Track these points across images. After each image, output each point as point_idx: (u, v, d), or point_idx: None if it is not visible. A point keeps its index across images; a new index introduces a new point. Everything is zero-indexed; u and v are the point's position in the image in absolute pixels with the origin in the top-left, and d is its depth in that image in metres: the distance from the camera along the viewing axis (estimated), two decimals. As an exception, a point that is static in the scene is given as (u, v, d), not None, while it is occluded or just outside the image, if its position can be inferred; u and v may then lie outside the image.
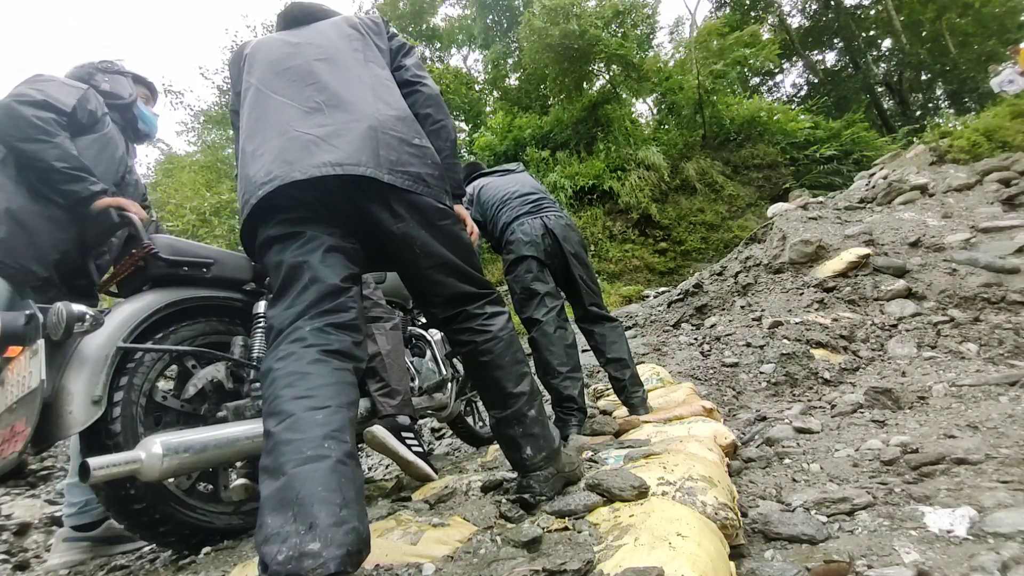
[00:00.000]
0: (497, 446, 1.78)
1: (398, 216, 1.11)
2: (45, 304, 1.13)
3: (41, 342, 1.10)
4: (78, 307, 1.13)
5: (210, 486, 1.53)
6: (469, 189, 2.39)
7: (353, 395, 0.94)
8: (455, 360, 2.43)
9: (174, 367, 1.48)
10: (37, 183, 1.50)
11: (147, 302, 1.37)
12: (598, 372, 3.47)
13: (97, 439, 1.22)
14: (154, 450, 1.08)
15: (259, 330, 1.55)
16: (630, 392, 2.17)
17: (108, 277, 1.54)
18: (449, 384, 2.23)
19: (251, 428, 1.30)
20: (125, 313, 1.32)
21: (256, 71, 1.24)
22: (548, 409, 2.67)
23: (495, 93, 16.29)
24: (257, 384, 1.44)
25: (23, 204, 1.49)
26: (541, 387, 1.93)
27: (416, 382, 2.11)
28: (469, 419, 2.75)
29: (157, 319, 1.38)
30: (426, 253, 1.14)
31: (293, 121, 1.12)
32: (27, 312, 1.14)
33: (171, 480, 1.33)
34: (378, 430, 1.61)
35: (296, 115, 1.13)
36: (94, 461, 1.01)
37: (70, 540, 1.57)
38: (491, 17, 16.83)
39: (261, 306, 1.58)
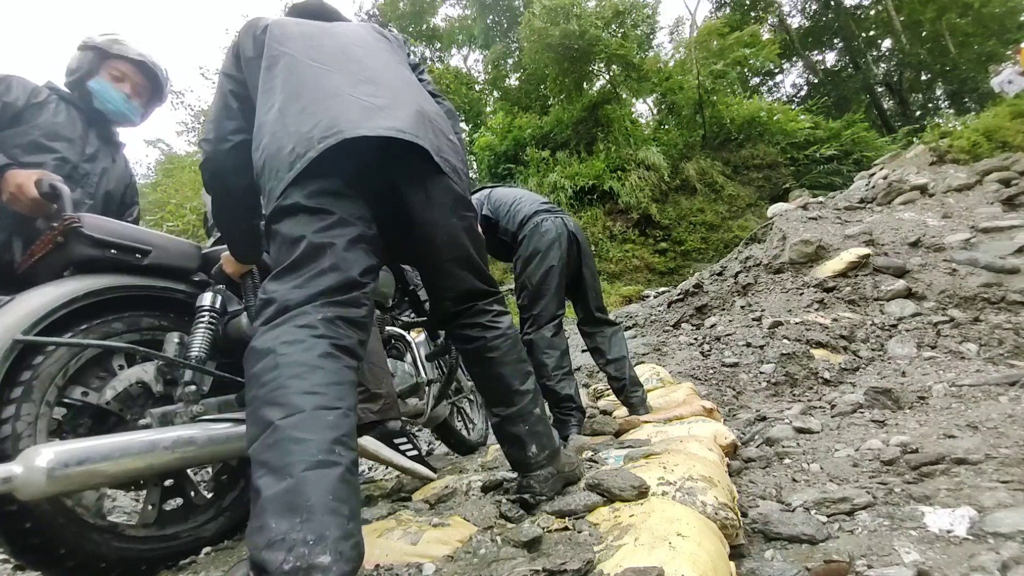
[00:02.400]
0: (497, 446, 1.79)
1: (431, 200, 1.10)
2: None
3: None
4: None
5: (179, 500, 1.35)
6: (477, 196, 2.40)
7: (355, 399, 0.91)
8: (440, 363, 2.38)
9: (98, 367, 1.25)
10: None
11: (64, 290, 1.16)
12: (598, 372, 3.47)
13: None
14: (36, 463, 0.88)
15: (202, 325, 1.36)
16: (629, 392, 2.19)
17: (23, 258, 1.30)
18: (425, 389, 2.13)
19: (176, 435, 1.11)
20: (33, 302, 1.11)
21: (290, 42, 1.18)
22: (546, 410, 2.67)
23: (495, 93, 16.30)
24: (192, 387, 1.29)
25: None
26: None
27: None
28: (458, 424, 2.60)
29: (77, 309, 1.17)
30: (449, 244, 1.14)
31: (344, 87, 1.09)
32: None
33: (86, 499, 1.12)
34: (368, 441, 1.50)
35: (345, 83, 1.10)
36: None
37: None
38: (491, 17, 16.85)
39: (207, 298, 1.40)
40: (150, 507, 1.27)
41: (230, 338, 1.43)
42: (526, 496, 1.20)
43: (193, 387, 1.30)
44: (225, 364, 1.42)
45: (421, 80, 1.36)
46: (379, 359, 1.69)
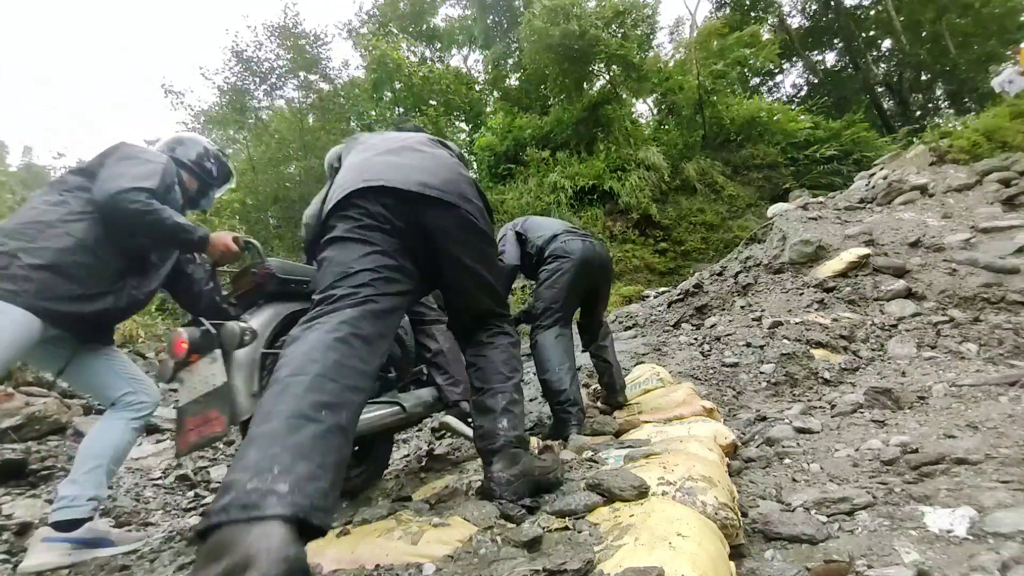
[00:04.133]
0: None
1: (459, 238, 1.35)
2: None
3: (218, 351, 1.43)
4: (243, 324, 1.49)
5: None
6: (515, 220, 2.71)
7: (360, 379, 1.02)
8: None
9: None
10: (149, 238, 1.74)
11: (271, 314, 1.65)
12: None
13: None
14: None
15: None
16: (614, 376, 2.48)
17: (229, 292, 1.82)
18: None
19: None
20: (260, 325, 1.60)
21: (359, 144, 1.55)
22: (545, 411, 2.69)
23: (495, 93, 16.29)
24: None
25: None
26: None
27: None
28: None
29: (281, 324, 1.67)
30: (473, 272, 1.39)
31: (392, 156, 1.39)
32: (202, 328, 1.44)
33: None
34: (450, 419, 1.90)
35: (394, 154, 1.40)
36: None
37: (49, 540, 1.51)
38: (491, 17, 16.84)
39: None
40: None
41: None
42: (488, 492, 1.26)
43: None
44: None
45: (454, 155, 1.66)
46: (457, 353, 1.99)
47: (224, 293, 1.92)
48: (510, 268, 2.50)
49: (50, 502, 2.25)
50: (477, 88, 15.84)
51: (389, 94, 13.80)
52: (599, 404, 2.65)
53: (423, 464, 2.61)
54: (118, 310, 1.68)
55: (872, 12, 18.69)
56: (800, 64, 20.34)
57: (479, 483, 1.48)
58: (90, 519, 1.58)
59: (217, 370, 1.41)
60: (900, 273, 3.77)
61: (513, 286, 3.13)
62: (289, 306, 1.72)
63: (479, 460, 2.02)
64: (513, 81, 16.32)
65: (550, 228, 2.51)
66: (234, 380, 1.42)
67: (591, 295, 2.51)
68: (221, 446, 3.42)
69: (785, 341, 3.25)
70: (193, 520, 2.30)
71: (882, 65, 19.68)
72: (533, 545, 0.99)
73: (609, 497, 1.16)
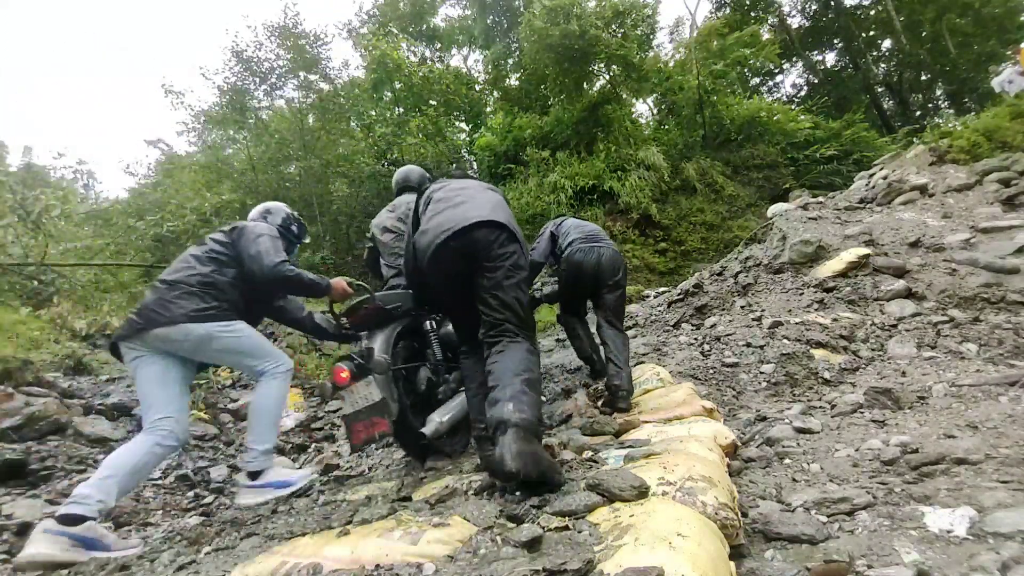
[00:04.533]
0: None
1: (495, 266, 1.70)
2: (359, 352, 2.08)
3: (371, 376, 2.02)
4: (384, 356, 2.14)
5: None
6: (554, 220, 3.17)
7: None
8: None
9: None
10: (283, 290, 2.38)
11: (386, 337, 2.25)
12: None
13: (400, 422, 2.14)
14: (435, 417, 2.22)
15: (434, 339, 2.55)
16: (623, 379, 2.63)
17: (346, 322, 2.35)
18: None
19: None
20: (380, 347, 2.19)
21: (439, 190, 1.99)
22: (545, 411, 2.69)
23: (495, 93, 16.27)
24: (448, 376, 2.51)
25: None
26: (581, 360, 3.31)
27: None
28: None
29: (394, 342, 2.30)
30: (498, 294, 1.68)
31: (460, 203, 1.83)
32: (356, 363, 2.03)
33: None
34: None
35: (460, 200, 1.85)
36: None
37: (50, 532, 1.56)
38: (491, 17, 16.82)
39: (427, 324, 2.56)
40: (443, 419, 2.24)
41: (443, 341, 2.58)
42: (494, 471, 1.38)
43: (448, 376, 2.50)
44: (446, 356, 2.58)
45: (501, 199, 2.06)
46: None
47: (327, 317, 2.50)
48: (536, 263, 2.93)
49: (50, 502, 2.25)
50: (477, 88, 15.82)
51: (389, 94, 13.79)
52: (599, 405, 2.65)
53: (423, 463, 2.61)
54: None
55: (872, 12, 18.67)
56: (800, 64, 20.33)
57: (479, 483, 1.48)
58: (93, 519, 1.61)
59: (373, 390, 1.99)
60: (900, 273, 3.77)
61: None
62: (393, 327, 2.30)
63: (478, 460, 2.02)
64: (513, 81, 16.30)
65: (572, 233, 2.89)
66: (385, 395, 2.00)
67: (594, 292, 2.84)
68: (221, 446, 3.44)
69: (785, 341, 3.25)
70: (193, 520, 2.30)
71: (882, 65, 19.67)
72: (533, 545, 0.99)
73: (609, 497, 1.16)
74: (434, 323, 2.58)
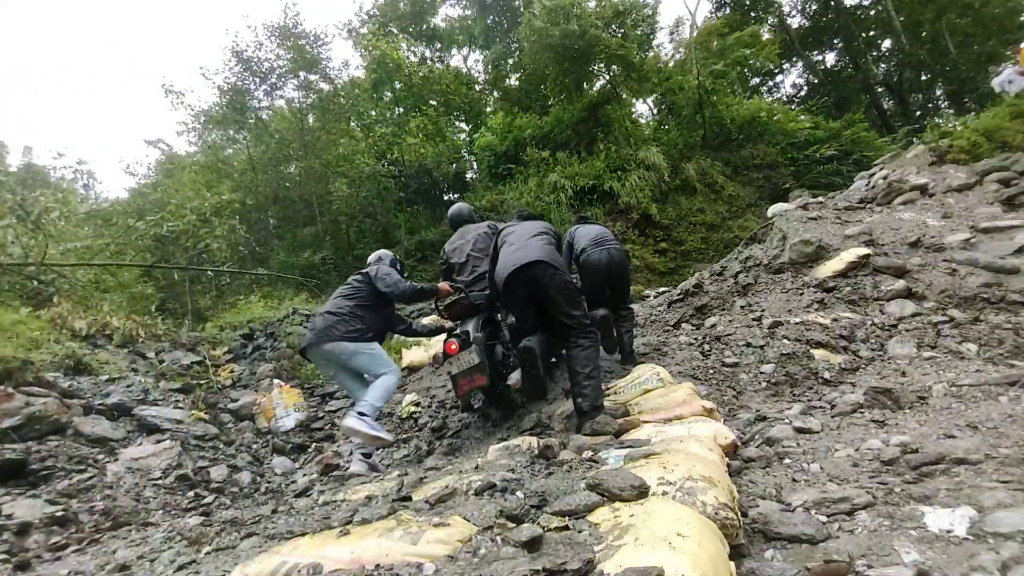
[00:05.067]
0: (495, 447, 1.97)
1: (553, 286, 2.64)
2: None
3: (475, 347, 2.90)
4: (479, 334, 3.01)
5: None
6: (572, 228, 3.68)
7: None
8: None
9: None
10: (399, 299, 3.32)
11: (476, 323, 3.11)
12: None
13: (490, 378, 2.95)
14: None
15: (504, 326, 3.42)
16: (623, 340, 3.40)
17: (443, 312, 3.33)
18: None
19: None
20: (474, 329, 3.06)
21: (507, 234, 3.03)
22: (545, 411, 2.69)
23: (495, 93, 16.29)
24: (513, 351, 3.27)
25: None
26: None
27: None
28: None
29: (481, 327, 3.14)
30: (557, 306, 2.63)
31: (520, 248, 2.79)
32: (462, 339, 2.93)
33: None
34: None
35: (519, 246, 2.82)
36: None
37: (357, 416, 2.67)
38: (491, 17, 16.83)
39: (499, 315, 3.43)
40: (517, 378, 3.13)
41: (509, 328, 3.32)
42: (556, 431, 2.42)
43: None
44: (511, 338, 3.29)
45: (549, 237, 2.96)
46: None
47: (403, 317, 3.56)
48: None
49: (50, 502, 2.25)
50: (477, 88, 15.83)
51: (389, 94, 13.79)
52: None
53: (423, 463, 2.62)
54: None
55: (872, 12, 18.67)
56: (800, 64, 20.31)
57: (479, 483, 1.48)
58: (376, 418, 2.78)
59: (474, 356, 2.85)
60: (900, 273, 3.77)
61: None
62: (479, 318, 3.16)
63: (478, 460, 2.03)
64: (513, 81, 16.32)
65: (582, 241, 3.39)
66: (481, 359, 2.85)
67: (610, 286, 3.37)
68: (221, 446, 3.44)
69: (785, 341, 3.25)
70: (193, 520, 2.30)
71: (882, 65, 19.66)
72: (533, 545, 0.99)
73: (609, 497, 1.16)
74: (503, 315, 3.45)
